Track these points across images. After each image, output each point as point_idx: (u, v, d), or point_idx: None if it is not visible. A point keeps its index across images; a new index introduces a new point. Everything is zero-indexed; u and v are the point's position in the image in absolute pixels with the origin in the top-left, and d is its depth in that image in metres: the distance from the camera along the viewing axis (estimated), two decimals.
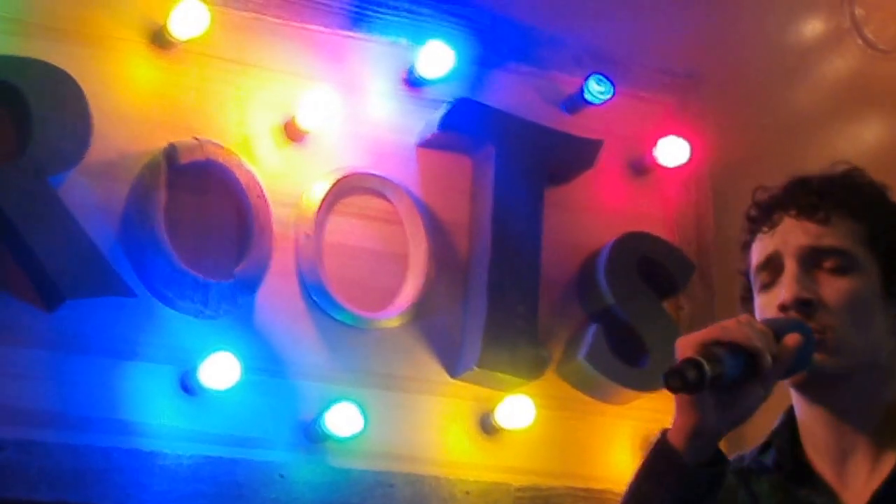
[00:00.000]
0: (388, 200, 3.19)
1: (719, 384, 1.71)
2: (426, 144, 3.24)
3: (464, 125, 3.22)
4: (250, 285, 2.98)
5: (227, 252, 3.00)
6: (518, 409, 3.16)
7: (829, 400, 1.91)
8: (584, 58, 3.40)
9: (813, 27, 3.67)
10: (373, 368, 3.08)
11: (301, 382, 3.01)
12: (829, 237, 1.91)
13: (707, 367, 1.68)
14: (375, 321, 3.11)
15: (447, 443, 3.13)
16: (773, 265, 1.93)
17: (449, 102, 3.22)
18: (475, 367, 3.12)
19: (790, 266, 1.90)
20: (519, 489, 3.12)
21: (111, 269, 2.84)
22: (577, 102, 3.37)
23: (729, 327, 1.75)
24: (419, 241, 3.18)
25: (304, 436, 2.98)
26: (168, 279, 2.90)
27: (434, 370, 3.15)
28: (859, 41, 3.69)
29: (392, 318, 3.13)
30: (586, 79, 3.33)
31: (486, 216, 3.21)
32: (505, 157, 3.24)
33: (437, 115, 3.21)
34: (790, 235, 1.92)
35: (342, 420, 2.96)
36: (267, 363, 2.98)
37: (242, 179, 3.01)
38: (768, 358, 1.74)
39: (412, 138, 3.24)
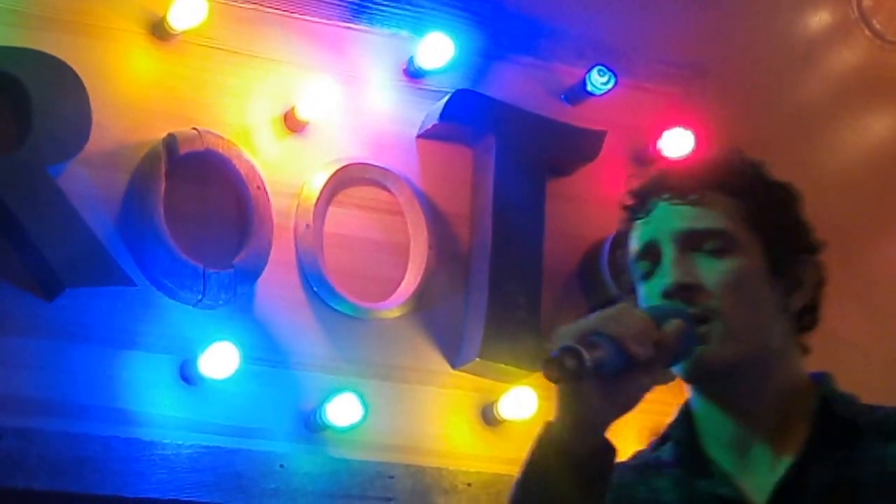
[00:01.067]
0: (389, 191, 3.17)
1: (601, 373, 1.65)
2: (427, 135, 3.23)
3: (464, 116, 3.20)
4: (250, 275, 2.97)
5: (226, 242, 2.99)
6: (520, 400, 3.13)
7: (724, 390, 1.84)
8: (586, 49, 3.38)
9: (820, 18, 3.65)
10: (373, 359, 3.07)
11: (301, 373, 2.99)
12: (706, 218, 1.84)
13: (586, 355, 1.62)
14: (376, 312, 3.09)
15: (448, 434, 3.11)
16: (651, 253, 1.85)
17: (449, 93, 3.19)
18: (477, 358, 3.10)
19: (668, 252, 1.83)
20: None
21: (111, 258, 2.84)
22: (579, 94, 3.34)
23: (609, 316, 1.69)
24: (420, 232, 3.16)
25: (304, 426, 2.96)
26: (168, 269, 2.89)
27: (435, 361, 3.13)
28: (867, 32, 3.66)
29: (393, 308, 3.11)
30: (588, 70, 3.31)
31: (488, 207, 3.19)
32: (506, 148, 3.22)
33: (438, 106, 3.19)
34: (665, 221, 1.85)
35: (342, 410, 2.94)
36: (267, 353, 2.97)
37: (242, 170, 3.00)
38: (648, 347, 1.68)
39: (413, 129, 3.22)
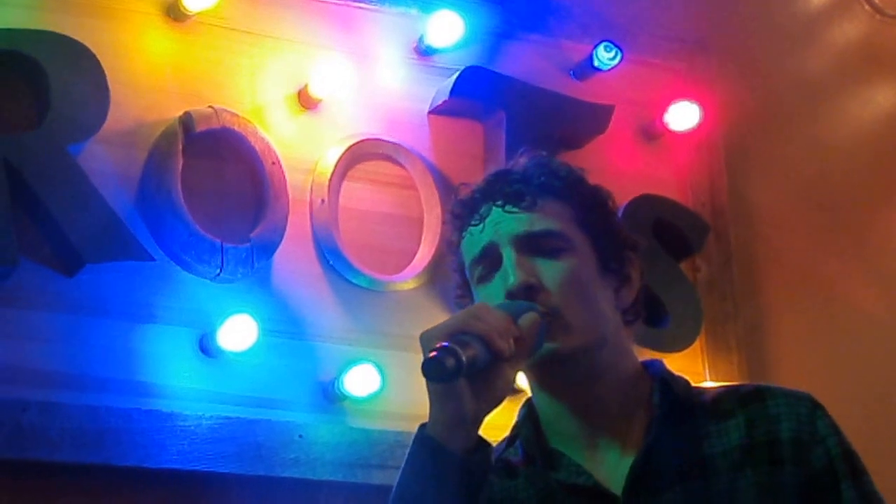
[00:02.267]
0: (402, 166, 3.18)
1: (473, 371, 1.70)
2: (438, 111, 3.24)
3: (475, 92, 3.21)
4: (267, 249, 2.97)
5: (243, 217, 3.00)
6: None
7: (566, 383, 1.90)
8: (592, 26, 3.39)
9: None
10: (390, 330, 3.07)
11: (319, 344, 2.99)
12: (540, 221, 1.91)
13: (462, 354, 1.68)
14: (391, 284, 3.10)
15: None
16: (489, 256, 1.92)
17: (459, 70, 3.20)
18: None
19: (508, 254, 1.89)
20: None
21: (130, 234, 2.84)
22: (586, 69, 3.36)
23: (471, 315, 1.75)
24: (433, 206, 3.17)
25: (322, 396, 2.97)
26: (185, 244, 2.90)
27: None
28: (867, 7, 3.67)
29: (408, 280, 3.12)
30: (595, 46, 3.32)
31: None
32: (516, 123, 3.22)
33: (448, 82, 3.20)
34: (502, 225, 1.92)
35: (360, 381, 2.95)
36: (285, 325, 2.97)
37: (257, 146, 3.01)
38: (511, 341, 1.74)
39: (424, 105, 3.23)
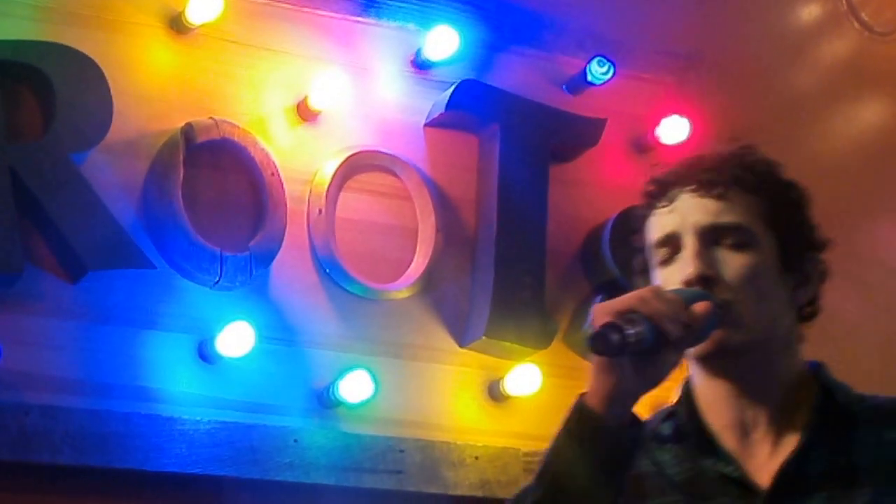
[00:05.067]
0: (398, 177, 3.17)
1: (637, 349, 1.68)
2: (434, 124, 3.23)
3: (470, 105, 3.20)
4: (265, 258, 2.97)
5: (242, 226, 3.00)
6: (525, 376, 3.14)
7: (730, 373, 1.86)
8: (586, 40, 3.36)
9: (810, 10, 3.64)
10: (384, 338, 3.07)
11: (314, 351, 3.00)
12: (728, 213, 1.86)
13: (628, 331, 1.67)
14: (386, 292, 3.09)
15: (456, 409, 3.11)
16: (672, 241, 1.87)
17: (455, 84, 3.19)
18: (483, 337, 3.10)
19: (691, 243, 1.85)
20: (527, 454, 3.09)
21: (132, 242, 2.85)
22: (579, 84, 3.34)
23: (643, 297, 1.72)
24: (428, 216, 3.16)
25: (317, 402, 2.97)
26: (186, 252, 2.90)
27: (443, 339, 3.13)
28: (856, 24, 3.65)
29: (402, 289, 3.11)
30: (588, 61, 3.31)
31: (493, 192, 3.19)
32: (510, 136, 3.22)
33: (444, 95, 3.19)
34: (689, 212, 1.86)
35: (354, 387, 2.95)
36: (281, 332, 2.97)
37: (257, 157, 3.00)
38: (679, 327, 1.71)
39: (420, 118, 3.22)
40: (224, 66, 3.05)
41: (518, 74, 3.32)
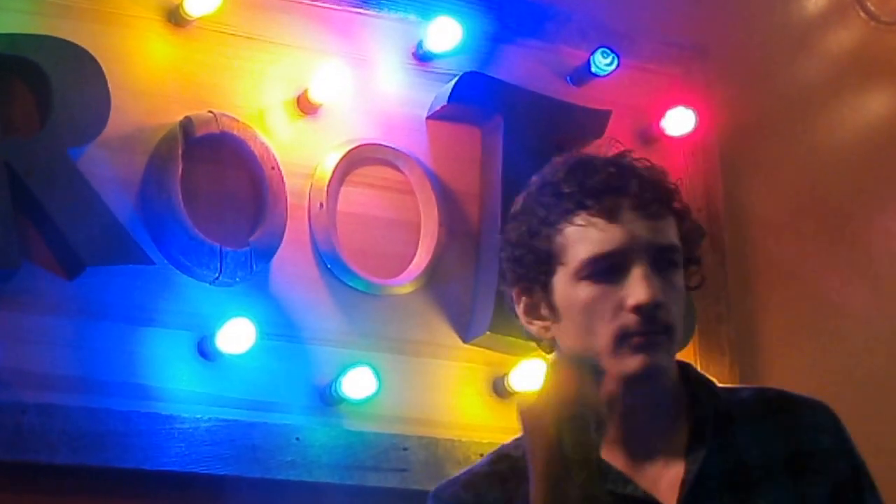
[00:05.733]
0: (400, 171, 3.12)
1: None
2: (436, 116, 3.17)
3: (472, 97, 3.14)
4: (265, 253, 2.92)
5: (242, 221, 2.94)
6: (531, 372, 3.08)
7: (637, 395, 1.85)
8: (589, 31, 3.32)
9: (816, 0, 3.61)
10: (386, 333, 3.01)
11: (316, 347, 2.94)
12: (666, 234, 1.84)
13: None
14: (388, 287, 3.04)
15: (460, 406, 3.06)
16: (617, 259, 1.82)
17: (458, 76, 3.14)
18: (487, 332, 3.04)
19: (642, 266, 1.81)
20: None
21: (130, 237, 2.79)
22: (583, 75, 3.29)
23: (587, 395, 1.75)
24: (430, 210, 3.11)
25: (319, 399, 2.91)
26: (185, 247, 2.85)
27: (447, 335, 3.07)
28: (862, 14, 3.62)
29: (405, 284, 3.06)
30: (592, 52, 3.26)
31: (496, 185, 3.14)
32: (513, 128, 3.16)
33: (447, 87, 3.14)
34: (637, 231, 1.82)
35: (357, 384, 2.89)
36: (282, 329, 2.91)
37: (257, 151, 2.95)
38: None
39: (422, 111, 3.16)
40: (223, 59, 3.00)
41: (521, 66, 3.27)
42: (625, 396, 1.84)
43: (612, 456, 1.84)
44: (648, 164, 1.91)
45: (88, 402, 2.71)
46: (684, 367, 1.93)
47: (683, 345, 1.87)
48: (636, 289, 1.80)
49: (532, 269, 1.88)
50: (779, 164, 3.54)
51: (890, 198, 3.64)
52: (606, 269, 1.82)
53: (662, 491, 1.82)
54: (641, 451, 1.85)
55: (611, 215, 1.82)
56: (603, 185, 1.84)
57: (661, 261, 1.83)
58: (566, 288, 1.84)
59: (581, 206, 1.84)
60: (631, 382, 1.83)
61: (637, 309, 1.79)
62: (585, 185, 1.85)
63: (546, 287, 1.87)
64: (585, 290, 1.83)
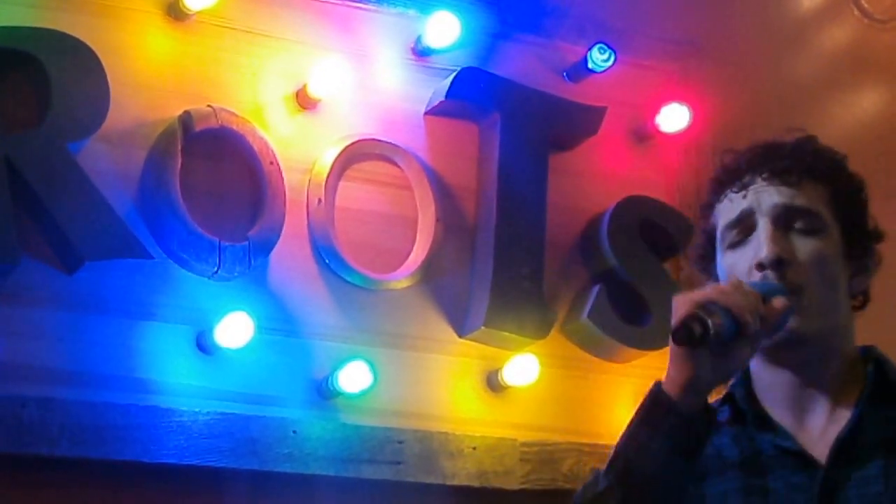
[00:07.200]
0: (398, 166, 3.11)
1: (717, 341, 1.73)
2: (434, 112, 3.16)
3: (470, 93, 3.13)
4: (264, 248, 2.91)
5: (241, 216, 2.93)
6: (523, 367, 3.08)
7: (792, 362, 1.91)
8: (586, 27, 3.30)
9: None
10: (383, 328, 3.02)
11: (313, 342, 2.94)
12: (801, 198, 1.90)
13: (710, 323, 1.71)
14: (385, 282, 3.04)
15: (455, 400, 3.06)
16: (745, 223, 1.91)
17: (456, 71, 3.12)
18: (482, 327, 3.04)
19: (765, 225, 1.89)
20: (524, 444, 3.05)
21: (129, 232, 2.78)
22: (580, 71, 3.27)
23: (724, 290, 1.77)
24: (427, 206, 3.10)
25: (316, 393, 2.92)
26: (184, 242, 2.84)
27: (442, 329, 3.08)
28: (856, 11, 3.60)
29: (401, 279, 3.05)
30: (589, 48, 3.24)
31: (493, 181, 3.13)
32: (510, 124, 3.15)
33: (445, 83, 3.12)
34: (763, 195, 1.91)
35: (353, 378, 2.89)
36: (280, 323, 2.91)
37: (256, 146, 2.94)
38: (758, 320, 1.76)
39: (420, 106, 3.15)
40: (222, 54, 2.98)
41: (518, 61, 3.26)
42: (771, 363, 1.91)
43: (781, 415, 1.91)
44: (805, 139, 1.98)
45: (88, 395, 2.71)
46: (867, 349, 1.96)
47: (834, 319, 1.88)
48: (757, 247, 1.88)
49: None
50: None
51: (882, 195, 3.62)
52: (737, 235, 1.91)
53: (820, 450, 1.86)
54: (806, 410, 1.90)
55: (742, 187, 1.93)
56: (745, 164, 1.95)
57: (792, 223, 1.89)
58: (720, 262, 1.95)
59: (725, 187, 1.95)
60: (767, 351, 1.89)
61: (759, 266, 1.86)
62: (730, 168, 1.96)
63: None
64: (727, 259, 1.93)
